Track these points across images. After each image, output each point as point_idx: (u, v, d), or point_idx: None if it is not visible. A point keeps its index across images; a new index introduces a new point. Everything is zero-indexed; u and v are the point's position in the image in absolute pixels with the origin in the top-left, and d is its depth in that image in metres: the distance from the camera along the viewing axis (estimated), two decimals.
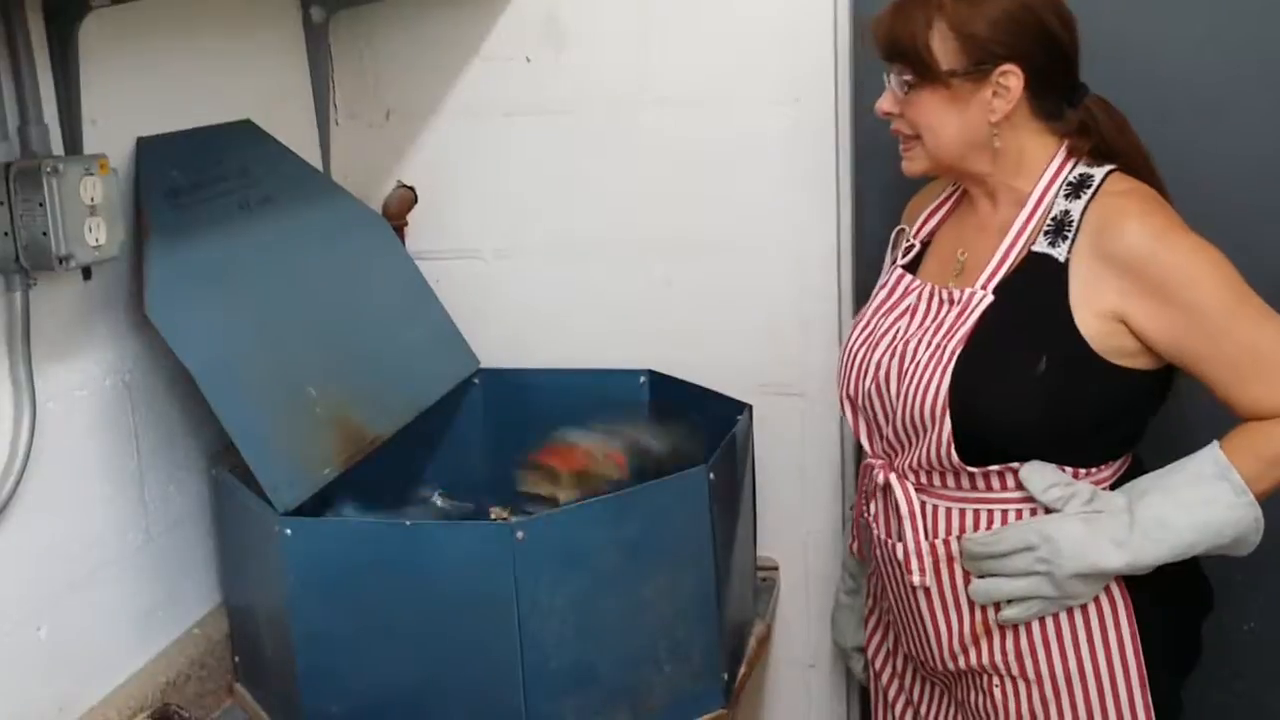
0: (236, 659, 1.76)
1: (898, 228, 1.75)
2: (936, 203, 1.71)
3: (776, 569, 2.11)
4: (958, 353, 1.51)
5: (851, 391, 1.64)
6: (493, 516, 1.83)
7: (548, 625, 1.49)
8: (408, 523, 1.48)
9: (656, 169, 2.04)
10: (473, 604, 1.48)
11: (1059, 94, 1.55)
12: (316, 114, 2.05)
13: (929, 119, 1.53)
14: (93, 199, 1.41)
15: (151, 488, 1.67)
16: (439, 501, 2.05)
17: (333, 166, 2.09)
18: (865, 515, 1.68)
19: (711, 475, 1.60)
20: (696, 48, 1.99)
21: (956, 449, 1.50)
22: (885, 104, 1.58)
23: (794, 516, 2.10)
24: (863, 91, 1.96)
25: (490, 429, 2.09)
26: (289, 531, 1.50)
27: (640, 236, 2.07)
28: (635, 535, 1.54)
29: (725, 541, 1.68)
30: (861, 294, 2.02)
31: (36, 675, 1.48)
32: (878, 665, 1.79)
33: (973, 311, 1.52)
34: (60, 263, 1.38)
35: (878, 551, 1.64)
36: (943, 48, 1.50)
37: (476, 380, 2.07)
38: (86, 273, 1.50)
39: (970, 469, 1.51)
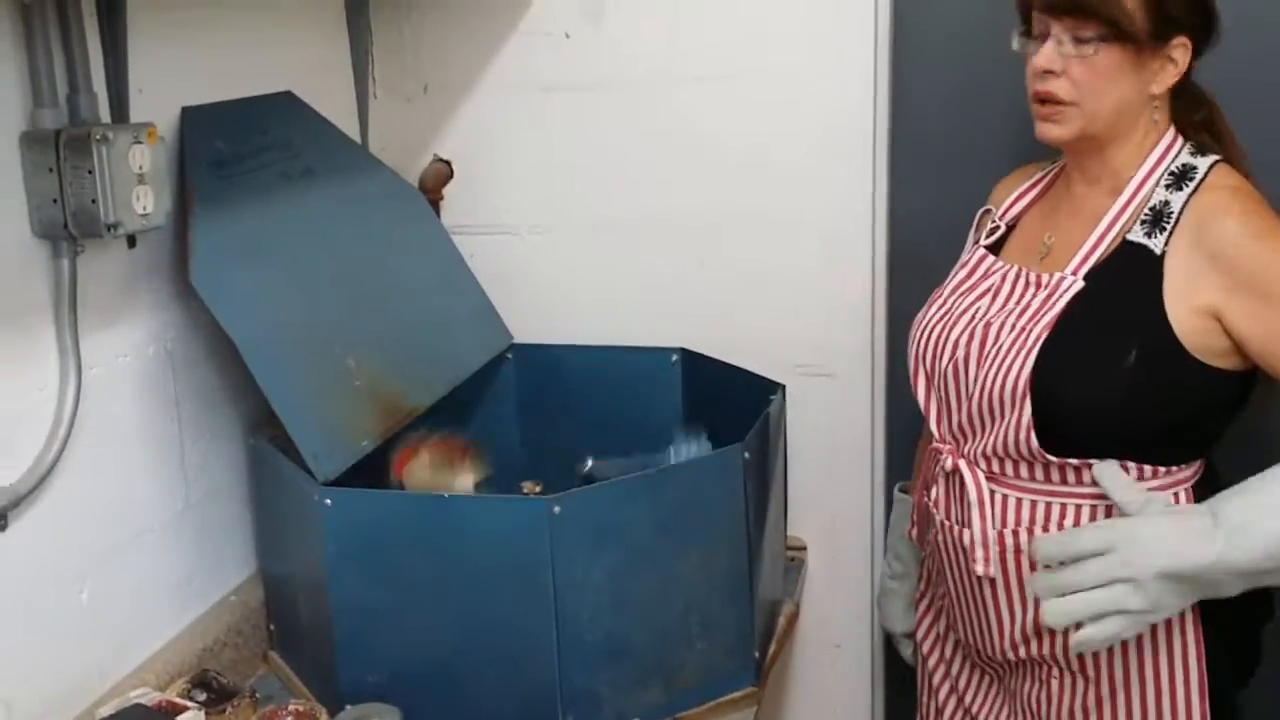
0: (271, 627, 1.78)
1: (983, 208, 1.74)
2: (1027, 185, 1.70)
3: (804, 549, 2.12)
4: (1043, 337, 1.49)
5: (928, 369, 1.63)
6: (525, 492, 1.84)
7: (582, 599, 1.50)
8: (446, 495, 1.49)
9: (692, 145, 2.04)
10: (509, 577, 1.50)
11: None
12: (355, 87, 2.06)
13: (1100, 81, 1.47)
14: (141, 167, 1.42)
15: (192, 455, 1.69)
16: None
17: (370, 139, 2.10)
18: (926, 500, 1.68)
19: (746, 454, 1.61)
20: (733, 22, 1.98)
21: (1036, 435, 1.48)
22: (1048, 61, 1.48)
23: (822, 497, 2.10)
24: (901, 64, 1.96)
25: (522, 403, 2.10)
26: (329, 502, 1.52)
27: (675, 213, 2.08)
28: (670, 511, 1.55)
29: (758, 520, 1.68)
30: (896, 273, 2.03)
31: (78, 639, 1.50)
32: (925, 649, 1.80)
33: (1061, 297, 1.51)
34: (108, 230, 1.39)
35: (939, 537, 1.64)
36: (1134, 7, 1.45)
37: (509, 355, 2.08)
38: (131, 241, 1.52)
39: (1049, 457, 1.49)
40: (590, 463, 1.85)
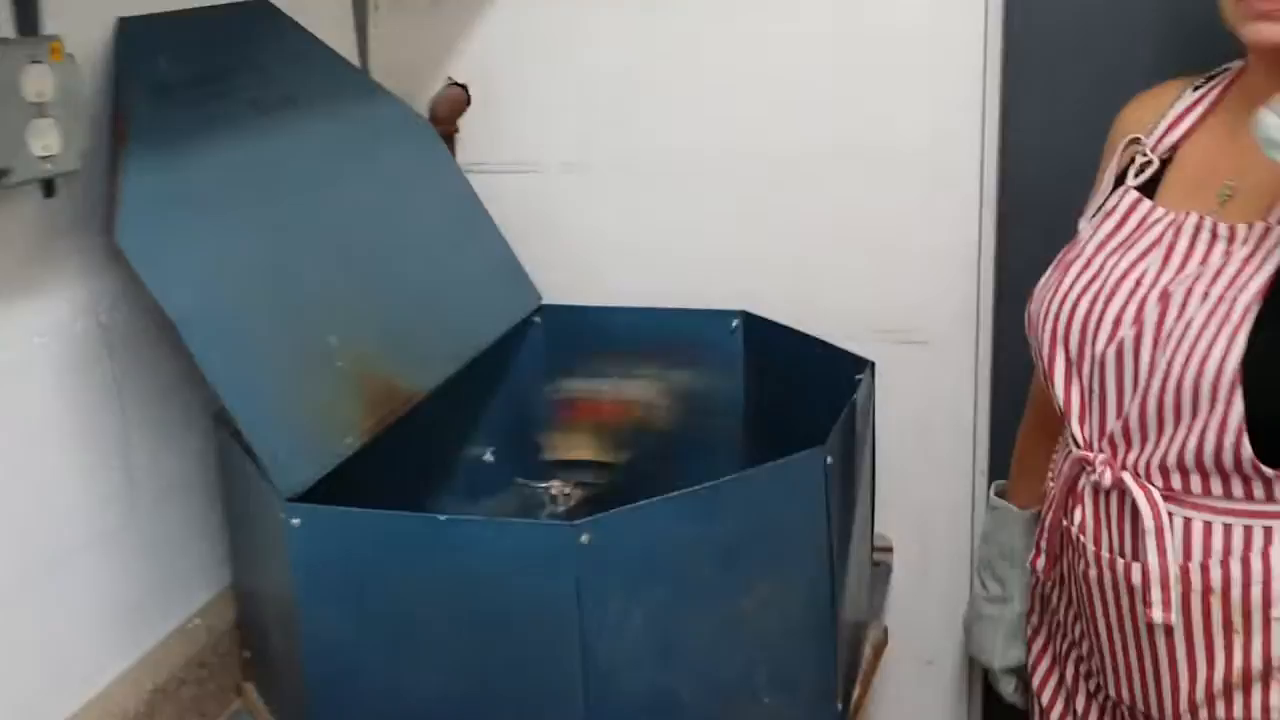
0: (246, 653, 1.47)
1: (1129, 136, 1.36)
2: (1179, 110, 1.33)
3: (890, 550, 1.78)
4: (1252, 310, 1.14)
5: (1072, 353, 1.28)
6: (553, 493, 1.51)
7: (619, 647, 1.17)
8: (442, 517, 1.16)
9: (759, 64, 1.69)
10: (524, 621, 1.17)
11: None
12: None
13: None
14: (40, 95, 1.08)
15: (139, 452, 1.36)
16: (489, 458, 1.75)
17: (371, 61, 1.76)
18: (1064, 522, 1.33)
19: (829, 459, 1.26)
20: None
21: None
22: None
23: (911, 490, 1.76)
24: None
25: (554, 376, 1.76)
26: (296, 522, 1.19)
27: (736, 146, 1.72)
28: (731, 535, 1.21)
29: (842, 537, 1.34)
30: (1009, 219, 1.66)
31: None
32: (1045, 700, 1.45)
33: (1271, 256, 1.15)
34: None
35: (1089, 573, 1.29)
36: None
37: (538, 319, 1.74)
38: (48, 188, 1.18)
39: (1265, 469, 1.15)
40: None
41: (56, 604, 1.27)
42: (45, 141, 1.09)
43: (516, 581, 1.15)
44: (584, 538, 1.13)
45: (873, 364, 1.49)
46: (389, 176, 1.59)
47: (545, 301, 1.75)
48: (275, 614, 1.33)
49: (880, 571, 1.72)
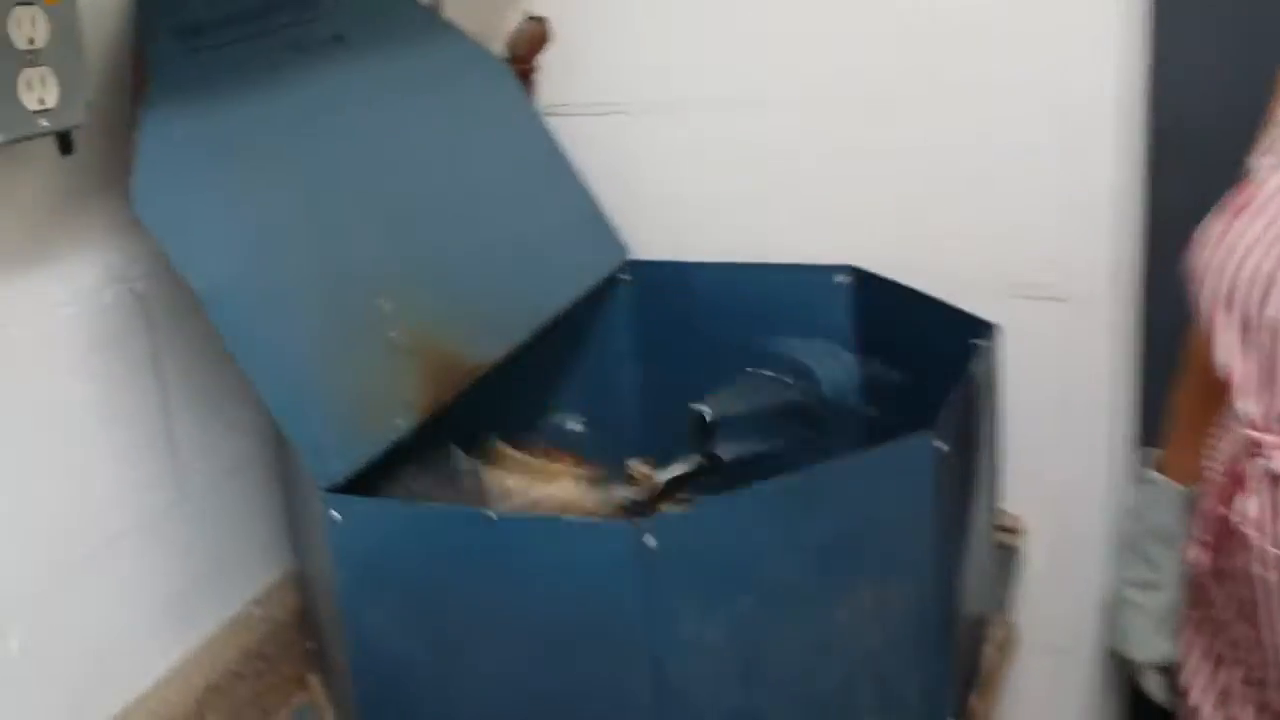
0: (310, 644, 1.36)
1: None
2: None
3: (1019, 531, 1.59)
4: None
5: (1244, 314, 1.09)
6: (631, 473, 1.36)
7: (694, 664, 1.02)
8: (493, 515, 1.02)
9: None
10: (585, 631, 1.03)
11: None
12: None
13: None
14: (32, 41, 0.96)
15: (184, 428, 1.26)
16: (577, 428, 1.61)
17: None
18: (1227, 511, 1.14)
19: (939, 443, 1.08)
20: None
21: None
22: None
23: (1045, 463, 1.57)
24: None
25: (641, 339, 1.61)
26: (336, 514, 1.06)
27: (847, 81, 1.54)
28: (824, 534, 1.05)
29: (958, 529, 1.17)
30: (1161, 158, 1.46)
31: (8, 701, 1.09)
32: (1195, 699, 1.26)
33: None
34: None
35: (1259, 571, 1.11)
36: None
37: (625, 276, 1.59)
38: (64, 144, 1.06)
39: None
40: (704, 408, 1.37)
41: (98, 596, 1.18)
42: (40, 94, 0.96)
43: (574, 588, 1.01)
44: (649, 540, 0.98)
45: (995, 327, 1.30)
46: (456, 122, 1.45)
47: (632, 256, 1.60)
48: (326, 607, 1.21)
49: (1007, 556, 1.54)
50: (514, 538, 1.02)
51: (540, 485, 1.32)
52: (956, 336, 1.31)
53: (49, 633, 1.12)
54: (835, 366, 1.50)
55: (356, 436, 1.12)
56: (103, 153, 1.13)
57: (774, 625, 1.04)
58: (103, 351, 1.16)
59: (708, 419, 1.37)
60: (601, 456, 1.57)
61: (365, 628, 1.10)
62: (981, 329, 1.30)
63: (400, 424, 1.16)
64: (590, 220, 1.57)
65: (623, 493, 1.35)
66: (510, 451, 1.39)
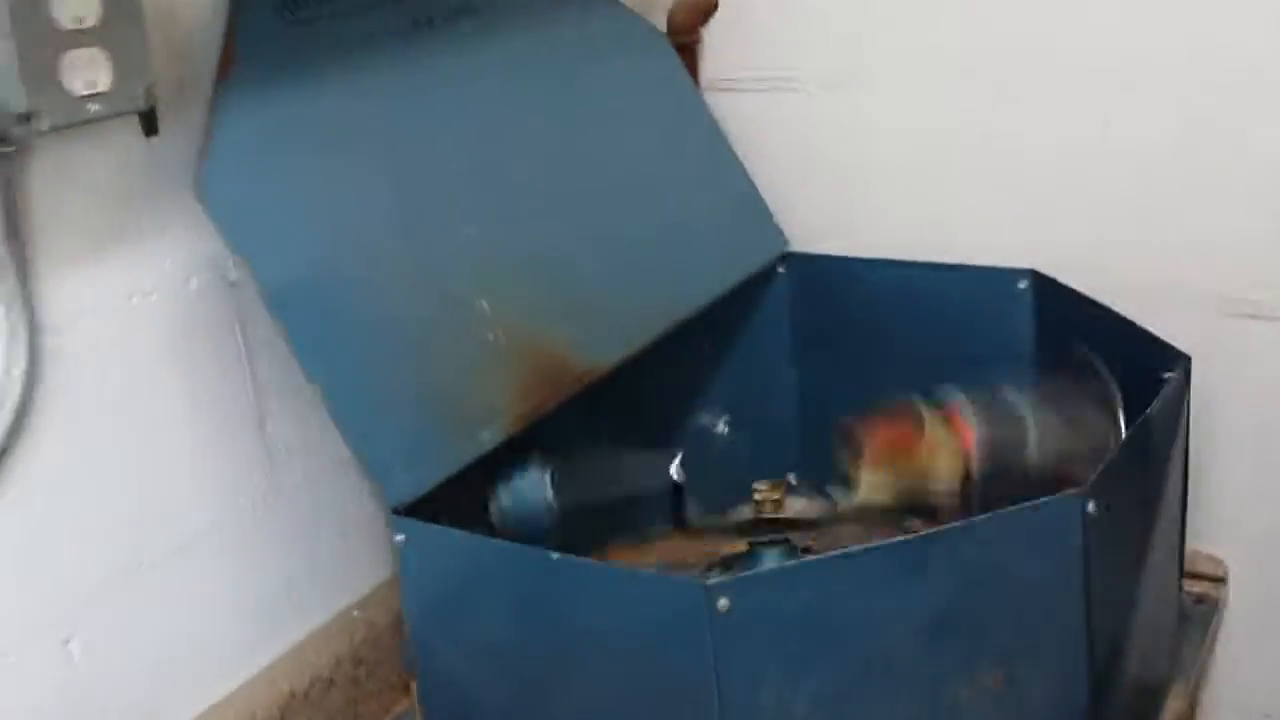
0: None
1: None
2: None
3: (1220, 580, 1.38)
4: None
5: None
6: (755, 496, 1.23)
7: None
8: (554, 556, 0.90)
9: None
10: (649, 690, 0.91)
11: None
12: None
13: None
14: (80, 20, 0.89)
15: (279, 424, 1.19)
16: (724, 429, 1.49)
17: None
18: None
19: (1092, 507, 0.91)
20: None
21: None
22: None
23: (1249, 502, 1.36)
24: None
25: (798, 339, 1.47)
26: (402, 538, 0.98)
27: (1049, 57, 1.35)
28: (938, 606, 0.90)
29: (1117, 599, 1.00)
30: None
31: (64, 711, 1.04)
32: None
33: None
34: (20, 122, 0.87)
35: None
36: None
37: (782, 269, 1.45)
38: (149, 125, 0.99)
39: None
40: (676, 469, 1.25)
41: (176, 597, 1.12)
42: (90, 75, 0.89)
43: (639, 646, 0.90)
44: (722, 602, 0.85)
45: (1185, 360, 1.11)
46: (600, 99, 1.34)
47: (793, 248, 1.45)
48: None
49: (1199, 611, 1.34)
50: (574, 584, 0.91)
51: None
52: (1143, 364, 1.12)
53: (133, 627, 1.08)
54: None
55: (433, 452, 1.03)
56: (190, 134, 1.06)
57: (870, 702, 0.90)
58: (190, 341, 1.11)
59: (678, 481, 1.22)
60: (751, 464, 1.45)
61: (434, 656, 1.01)
62: (1171, 359, 1.11)
63: (486, 437, 1.07)
64: (746, 207, 1.44)
65: (738, 515, 1.22)
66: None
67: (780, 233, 1.45)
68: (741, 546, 1.22)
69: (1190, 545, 1.26)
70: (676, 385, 1.44)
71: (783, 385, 1.49)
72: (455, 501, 1.03)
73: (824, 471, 1.39)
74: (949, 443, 1.11)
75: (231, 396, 1.14)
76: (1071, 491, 0.90)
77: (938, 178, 1.43)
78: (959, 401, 1.15)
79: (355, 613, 1.28)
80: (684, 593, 0.86)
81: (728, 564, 1.24)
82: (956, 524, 0.89)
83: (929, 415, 1.15)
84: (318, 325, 0.99)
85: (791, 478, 1.49)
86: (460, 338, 1.09)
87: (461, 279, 1.11)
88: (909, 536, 0.88)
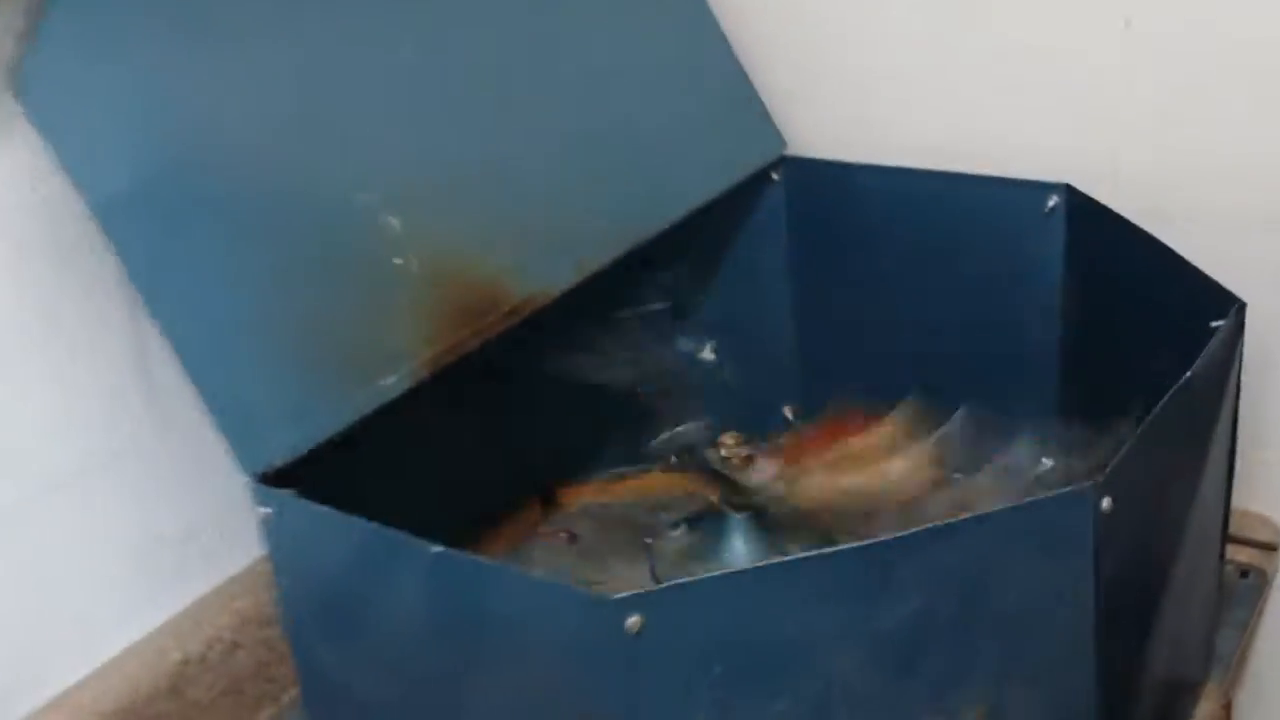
0: None
1: None
2: None
3: (1272, 547, 1.20)
4: None
5: None
6: (720, 452, 1.05)
7: None
8: (435, 549, 0.73)
9: None
10: (556, 716, 0.74)
11: None
12: None
13: None
14: None
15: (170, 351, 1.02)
16: (709, 355, 1.31)
17: None
18: None
19: (1106, 503, 0.73)
20: None
21: None
22: None
23: None
24: None
25: (794, 254, 1.28)
26: (267, 511, 0.81)
27: None
28: (907, 626, 0.72)
29: (1137, 606, 0.82)
30: None
31: None
32: None
33: None
34: None
35: None
36: None
37: (776, 175, 1.25)
38: None
39: None
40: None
41: (44, 545, 0.97)
42: None
43: (537, 662, 0.73)
44: (632, 621, 0.67)
45: (1240, 307, 0.91)
46: None
47: (790, 152, 1.25)
48: None
49: (1244, 588, 1.15)
50: (459, 584, 0.74)
51: None
52: (1189, 306, 0.93)
53: None
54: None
55: (316, 403, 0.85)
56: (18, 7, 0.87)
57: None
58: (44, 257, 0.93)
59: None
60: (744, 397, 1.27)
61: (312, 652, 0.85)
62: (1223, 303, 0.91)
63: (389, 384, 0.89)
64: (737, 103, 1.23)
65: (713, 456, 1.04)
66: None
67: (777, 134, 1.24)
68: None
69: (1236, 505, 1.08)
70: (652, 308, 1.25)
71: (778, 309, 1.29)
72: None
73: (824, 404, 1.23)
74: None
75: (101, 320, 0.97)
76: (1079, 486, 0.72)
77: (960, 75, 1.22)
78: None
79: (267, 566, 1.13)
80: (585, 607, 0.69)
81: (694, 522, 1.08)
82: (931, 527, 0.70)
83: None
84: (162, 250, 0.81)
85: (788, 411, 1.34)
86: (359, 264, 0.91)
87: (365, 193, 0.92)
88: (873, 540, 0.69)
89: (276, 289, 0.85)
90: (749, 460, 1.04)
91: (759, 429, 1.24)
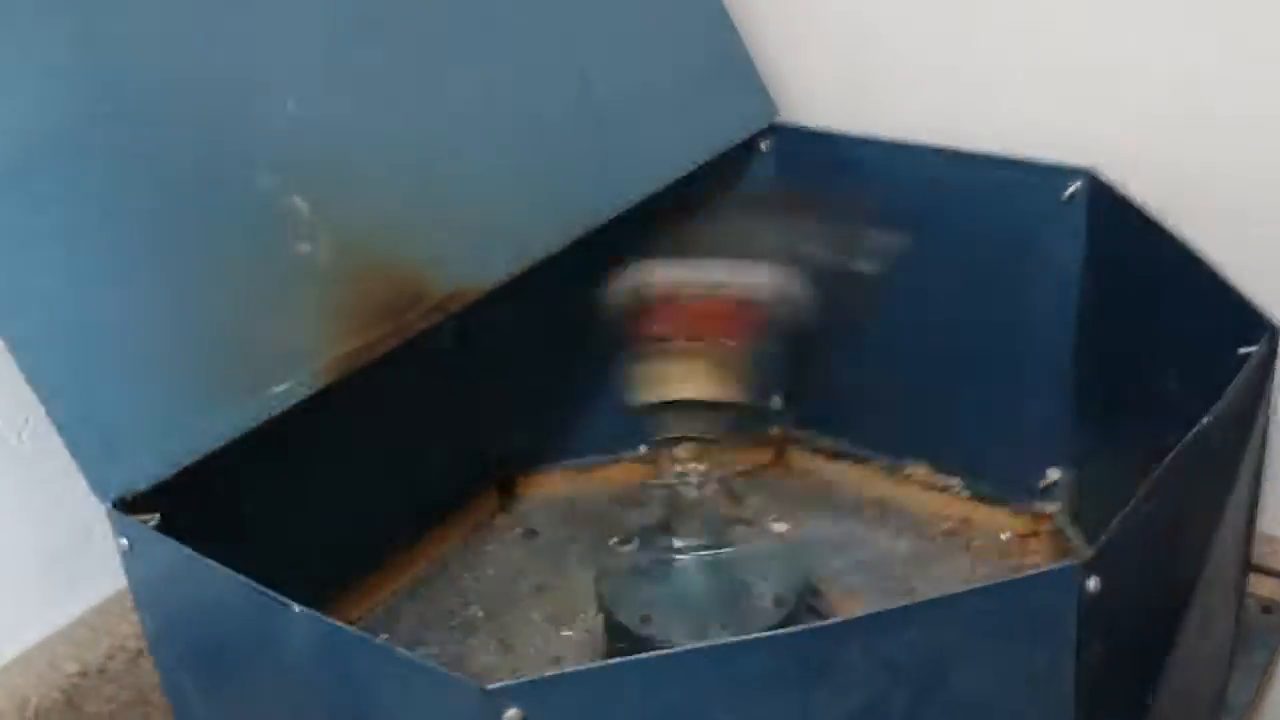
0: None
1: None
2: None
3: None
4: None
5: None
6: (678, 466, 0.93)
7: None
8: (296, 609, 0.62)
9: None
10: None
11: None
12: None
13: None
14: None
15: None
16: None
17: None
18: None
19: (1094, 583, 0.60)
20: None
21: None
22: None
23: None
24: None
25: (781, 233, 1.15)
26: (125, 542, 0.70)
27: None
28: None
29: (1131, 689, 0.70)
30: None
31: None
32: None
33: None
34: None
35: None
36: None
37: (764, 145, 1.12)
38: None
39: None
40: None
41: None
42: None
43: None
44: (510, 716, 0.56)
45: (1274, 331, 0.77)
46: None
47: (781, 120, 1.12)
48: None
49: (1265, 625, 1.03)
50: (323, 652, 0.63)
51: None
52: (1216, 324, 0.80)
53: None
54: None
55: (192, 415, 0.74)
56: None
57: None
58: None
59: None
60: None
61: (180, 690, 0.75)
62: (1254, 327, 0.78)
63: (282, 391, 0.77)
64: (723, 64, 1.10)
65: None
66: None
67: (767, 99, 1.11)
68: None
69: (1259, 528, 0.95)
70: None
71: None
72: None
73: (813, 393, 1.12)
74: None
75: None
76: (1060, 566, 0.60)
77: (976, 32, 1.08)
78: None
79: None
80: (457, 694, 0.57)
81: (647, 538, 0.97)
82: (882, 612, 0.58)
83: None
84: (5, 235, 0.69)
85: (776, 400, 1.22)
86: (255, 251, 0.79)
87: (267, 169, 0.80)
88: (808, 626, 0.57)
89: (148, 280, 0.74)
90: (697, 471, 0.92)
91: (744, 424, 1.12)
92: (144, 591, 0.72)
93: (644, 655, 0.57)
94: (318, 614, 0.61)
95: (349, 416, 0.88)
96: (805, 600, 0.90)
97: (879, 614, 0.59)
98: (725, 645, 0.57)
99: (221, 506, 0.77)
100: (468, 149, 0.90)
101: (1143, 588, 0.66)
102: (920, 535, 1.12)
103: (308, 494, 0.93)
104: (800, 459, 1.20)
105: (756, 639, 0.58)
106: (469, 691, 0.56)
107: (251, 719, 0.70)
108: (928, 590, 1.04)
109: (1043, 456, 1.08)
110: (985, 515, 1.11)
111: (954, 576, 1.06)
